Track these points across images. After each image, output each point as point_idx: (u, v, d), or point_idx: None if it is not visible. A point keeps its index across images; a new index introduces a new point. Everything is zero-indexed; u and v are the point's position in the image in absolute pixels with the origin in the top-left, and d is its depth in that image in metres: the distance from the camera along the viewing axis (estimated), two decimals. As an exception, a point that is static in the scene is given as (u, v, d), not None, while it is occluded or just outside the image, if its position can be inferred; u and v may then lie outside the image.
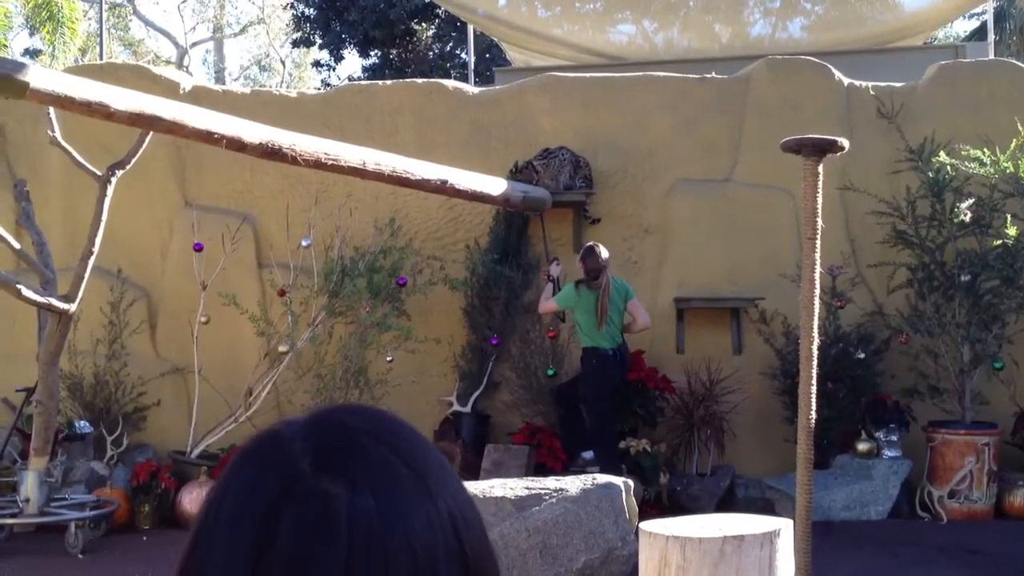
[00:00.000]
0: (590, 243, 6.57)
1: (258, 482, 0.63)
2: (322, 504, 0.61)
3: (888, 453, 6.55)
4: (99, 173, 6.07)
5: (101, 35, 12.64)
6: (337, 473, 0.62)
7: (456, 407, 7.11)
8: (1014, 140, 6.59)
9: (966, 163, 6.52)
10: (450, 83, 7.97)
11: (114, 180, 6.06)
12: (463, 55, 16.28)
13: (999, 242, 6.48)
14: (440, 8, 14.27)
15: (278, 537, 0.60)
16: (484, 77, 13.61)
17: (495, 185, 6.71)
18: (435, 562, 0.61)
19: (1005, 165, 6.51)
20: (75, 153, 6.13)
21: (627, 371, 6.65)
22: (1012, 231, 6.37)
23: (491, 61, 14.76)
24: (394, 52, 16.85)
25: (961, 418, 6.61)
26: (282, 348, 6.99)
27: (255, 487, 0.63)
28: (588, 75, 7.83)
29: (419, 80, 8.25)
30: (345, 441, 0.65)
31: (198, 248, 7.21)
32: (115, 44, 24.16)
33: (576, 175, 7.19)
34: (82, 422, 7.09)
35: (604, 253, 6.43)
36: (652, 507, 6.15)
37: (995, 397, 6.73)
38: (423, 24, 16.66)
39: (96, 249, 6.06)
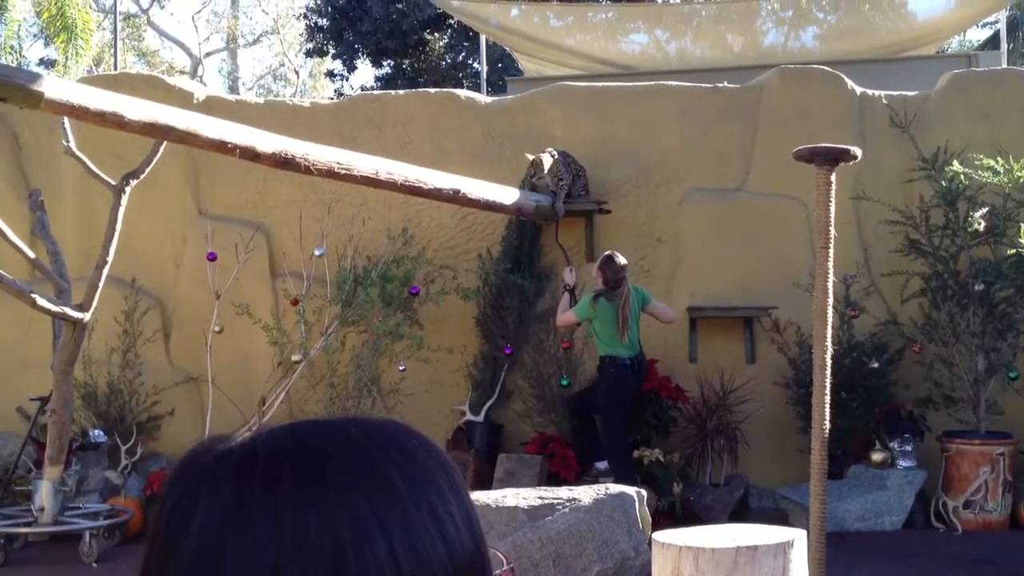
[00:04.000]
0: (608, 252, 6.52)
1: (161, 494, 0.64)
2: (183, 520, 0.61)
3: (902, 463, 6.51)
4: (113, 183, 6.10)
5: (115, 45, 12.73)
6: (206, 487, 0.61)
7: (469, 416, 7.11)
8: (1028, 149, 6.57)
9: (979, 172, 6.49)
10: (462, 93, 7.99)
11: (128, 190, 6.10)
12: (475, 65, 16.32)
13: (1013, 251, 6.45)
14: (453, 18, 14.32)
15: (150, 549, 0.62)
16: (496, 87, 13.64)
17: (507, 194, 6.72)
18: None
19: (1019, 174, 6.47)
20: (89, 163, 6.17)
21: (644, 380, 6.61)
22: (1026, 240, 6.35)
23: (503, 71, 14.79)
24: (407, 62, 16.91)
25: (976, 428, 6.57)
26: (295, 357, 7.01)
27: (159, 502, 0.65)
28: (600, 84, 7.84)
29: (432, 90, 8.28)
30: (245, 459, 0.62)
31: (211, 257, 7.24)
32: (129, 54, 24.33)
33: (575, 184, 7.18)
34: (96, 431, 7.12)
35: (622, 261, 6.41)
36: (665, 517, 6.14)
37: (1010, 407, 6.69)
38: (435, 34, 16.72)
39: (110, 259, 6.09)
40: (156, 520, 0.63)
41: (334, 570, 0.58)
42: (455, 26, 15.95)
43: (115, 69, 12.04)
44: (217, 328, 7.11)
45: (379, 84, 17.09)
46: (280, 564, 0.58)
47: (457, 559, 0.62)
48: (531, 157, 7.02)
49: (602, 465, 6.54)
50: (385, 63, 17.22)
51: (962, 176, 6.56)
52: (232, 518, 0.59)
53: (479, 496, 4.78)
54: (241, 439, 0.64)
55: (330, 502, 0.60)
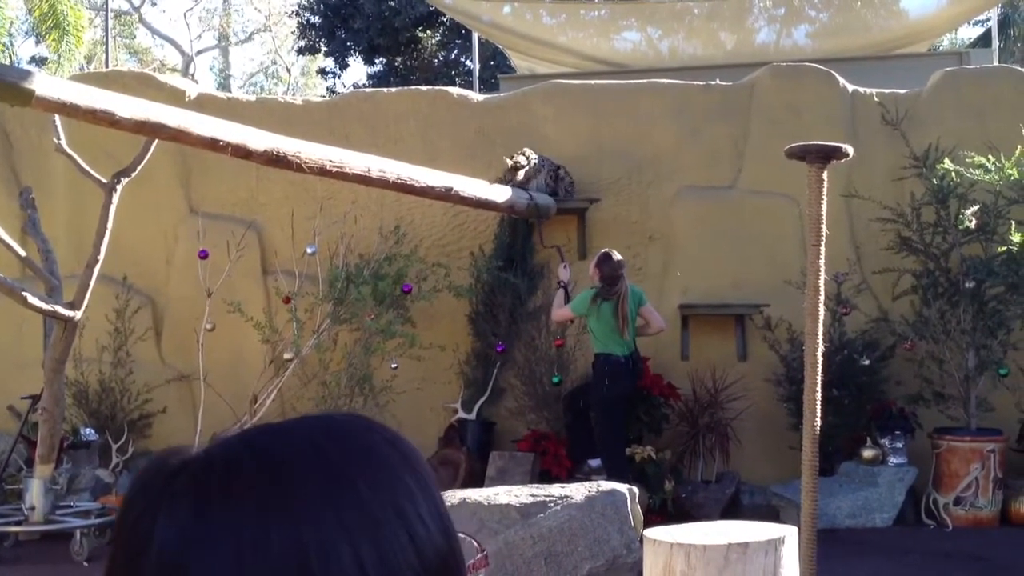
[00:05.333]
0: (605, 249, 6.51)
1: (121, 510, 0.63)
2: (143, 539, 0.59)
3: (893, 460, 6.53)
4: (104, 181, 6.08)
5: (107, 43, 12.70)
6: (164, 504, 0.59)
7: (461, 414, 7.11)
8: (1018, 146, 6.59)
9: (970, 169, 6.52)
10: (455, 90, 7.98)
11: (119, 188, 6.08)
12: (468, 62, 16.31)
13: (1004, 248, 6.48)
14: (445, 16, 14.31)
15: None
16: (489, 84, 13.63)
17: (500, 192, 6.72)
18: None
19: (1009, 172, 6.50)
20: (80, 161, 6.15)
21: (639, 379, 6.60)
22: (1017, 237, 6.37)
23: (496, 68, 14.78)
24: (399, 59, 16.89)
25: (966, 425, 6.59)
26: (287, 355, 7.00)
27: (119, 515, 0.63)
28: (593, 82, 7.84)
29: (424, 87, 8.27)
30: (198, 475, 0.60)
31: (203, 255, 7.22)
32: (121, 52, 24.25)
33: (558, 183, 7.15)
34: (87, 429, 7.10)
35: (619, 258, 6.39)
36: (657, 514, 6.15)
37: (1000, 404, 6.71)
38: (428, 32, 16.70)
39: (101, 256, 6.07)
40: (116, 539, 0.61)
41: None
42: (447, 24, 15.93)
43: (106, 67, 11.99)
44: (209, 326, 7.10)
45: (371, 82, 17.07)
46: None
47: (428, 560, 0.60)
48: (509, 162, 6.99)
49: (595, 462, 6.54)
50: (377, 61, 17.19)
51: (953, 174, 6.58)
52: (192, 535, 0.57)
53: (471, 494, 4.78)
54: (196, 452, 0.62)
55: (292, 513, 0.57)
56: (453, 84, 12.47)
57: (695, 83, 7.60)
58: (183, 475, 0.60)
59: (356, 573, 0.57)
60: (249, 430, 0.63)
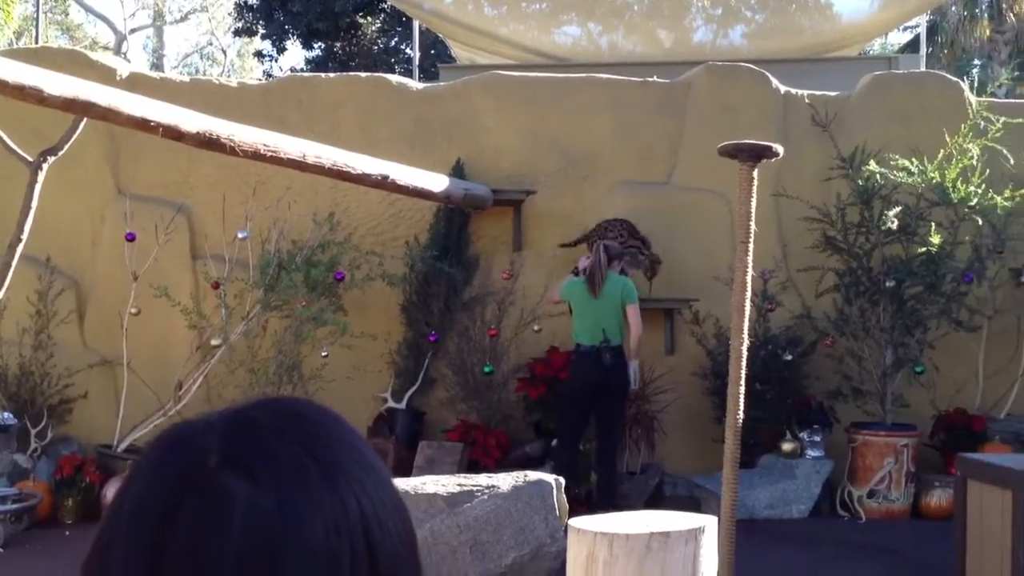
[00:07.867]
0: (604, 241, 6.55)
1: (162, 475, 0.63)
2: (221, 500, 0.61)
3: (811, 453, 6.70)
4: (30, 159, 5.93)
5: (37, 19, 12.32)
6: (241, 470, 0.62)
7: (391, 403, 7.10)
8: (941, 150, 6.79)
9: (895, 172, 6.70)
10: (394, 78, 7.94)
11: (46, 166, 5.93)
12: (408, 50, 16.22)
13: (923, 249, 6.67)
14: (386, 2, 14.21)
15: (175, 531, 0.60)
16: (428, 73, 13.59)
17: (437, 181, 6.71)
18: (337, 565, 0.62)
19: (932, 175, 6.70)
20: (6, 138, 5.99)
21: (612, 375, 6.18)
22: (936, 239, 6.57)
23: (436, 57, 14.73)
24: (338, 45, 16.73)
25: (882, 420, 6.79)
26: (214, 341, 6.91)
27: (158, 480, 0.63)
28: (532, 75, 7.87)
29: (363, 74, 8.22)
30: (254, 438, 0.64)
31: (130, 238, 7.09)
32: (52, 29, 23.59)
33: (629, 238, 7.06)
34: (5, 414, 6.94)
35: (604, 247, 6.38)
36: (582, 505, 6.21)
37: (915, 400, 6.92)
38: (368, 18, 16.57)
39: (25, 237, 5.92)
40: (117, 492, 0.65)
41: (367, 544, 0.63)
42: (388, 10, 15.83)
43: (36, 43, 11.66)
44: (134, 310, 6.98)
45: (309, 67, 16.87)
46: (331, 546, 0.62)
47: (409, 523, 0.69)
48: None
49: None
50: (316, 45, 17.00)
51: (878, 176, 6.75)
52: (281, 508, 0.62)
53: (398, 483, 4.78)
54: (216, 415, 0.67)
55: (351, 484, 0.65)
56: (392, 72, 12.39)
57: (633, 79, 7.68)
58: (233, 465, 0.63)
59: (403, 537, 0.67)
60: (275, 405, 0.69)
